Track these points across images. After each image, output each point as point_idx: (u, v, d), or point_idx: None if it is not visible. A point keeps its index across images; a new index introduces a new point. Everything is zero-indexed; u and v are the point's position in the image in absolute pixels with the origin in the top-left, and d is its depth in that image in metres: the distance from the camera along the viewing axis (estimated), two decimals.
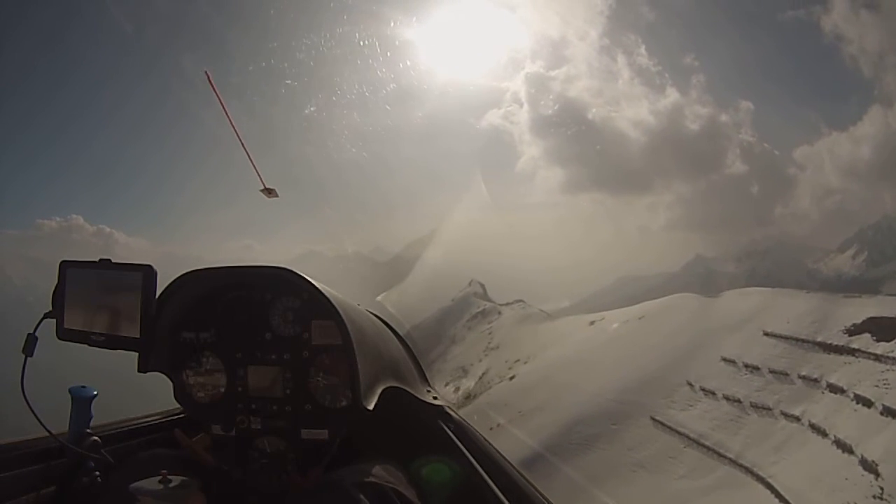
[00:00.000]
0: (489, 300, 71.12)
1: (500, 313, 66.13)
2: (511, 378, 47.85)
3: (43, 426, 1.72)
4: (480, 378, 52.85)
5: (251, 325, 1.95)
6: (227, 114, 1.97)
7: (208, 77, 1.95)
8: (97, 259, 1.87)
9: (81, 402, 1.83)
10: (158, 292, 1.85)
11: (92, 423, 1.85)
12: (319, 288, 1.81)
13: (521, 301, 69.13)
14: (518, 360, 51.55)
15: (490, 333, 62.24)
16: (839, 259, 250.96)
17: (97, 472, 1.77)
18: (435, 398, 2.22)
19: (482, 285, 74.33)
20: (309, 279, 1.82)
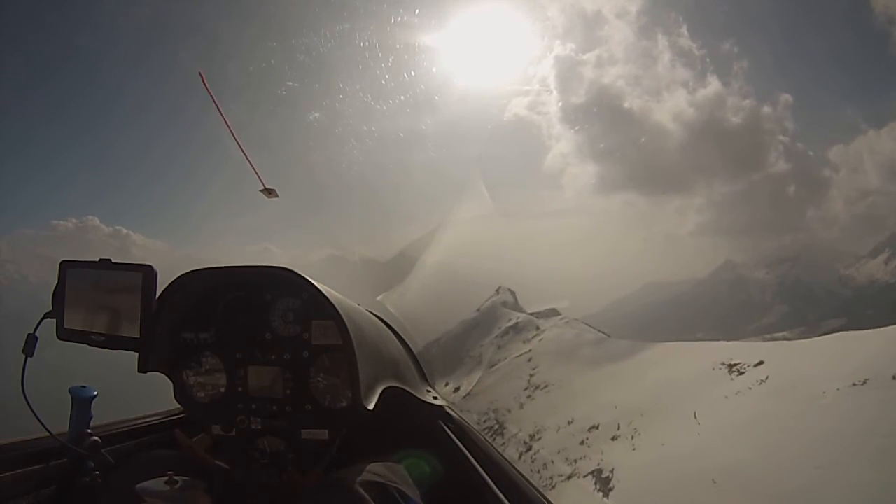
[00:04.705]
0: (522, 311, 56.97)
1: (538, 328, 50.96)
2: (604, 492, 21.95)
3: (43, 426, 1.73)
4: (528, 447, 28.95)
5: (251, 325, 1.94)
6: (221, 113, 1.95)
7: (202, 77, 1.92)
8: (97, 259, 1.88)
9: (81, 402, 1.84)
10: (158, 292, 1.85)
11: (92, 423, 1.86)
12: (319, 288, 1.80)
13: (553, 310, 55.36)
14: (594, 428, 26.42)
15: (530, 360, 42.19)
16: (871, 264, 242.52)
17: (97, 473, 1.79)
18: (435, 398, 2.22)
19: (513, 293, 60.97)
20: (309, 279, 1.81)
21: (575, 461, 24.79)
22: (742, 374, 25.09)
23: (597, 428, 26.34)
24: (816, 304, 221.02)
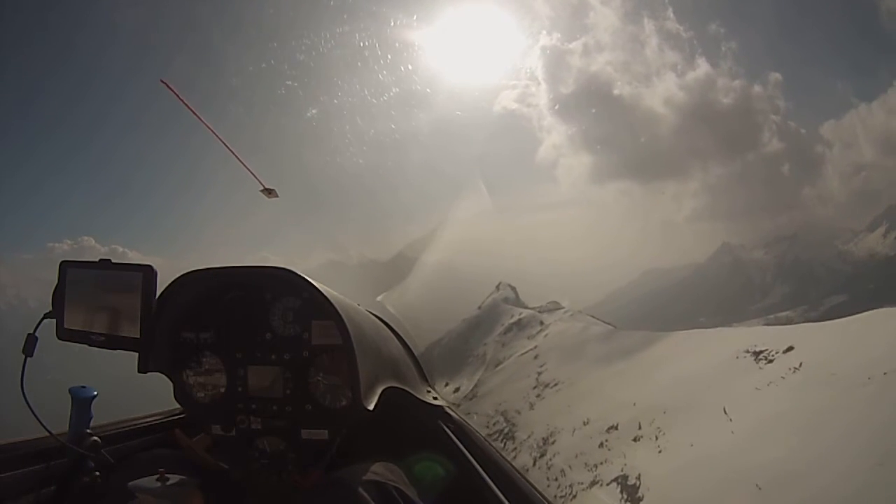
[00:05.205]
0: (524, 306, 52.33)
1: (542, 323, 48.57)
2: (632, 501, 19.60)
3: (43, 426, 1.72)
4: (542, 452, 26.10)
5: (251, 325, 1.93)
6: (197, 115, 1.95)
7: (167, 86, 1.90)
8: (97, 259, 1.87)
9: (81, 402, 1.83)
10: (158, 292, 1.84)
11: (92, 423, 1.85)
12: (319, 288, 1.80)
13: (555, 303, 53.10)
14: (613, 429, 23.79)
15: (536, 357, 39.53)
16: (869, 239, 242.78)
17: (97, 472, 1.78)
18: (435, 398, 2.21)
19: (513, 288, 58.79)
20: (309, 279, 1.81)
21: (595, 466, 21.82)
22: (771, 361, 22.11)
23: (616, 428, 23.45)
24: (817, 281, 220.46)
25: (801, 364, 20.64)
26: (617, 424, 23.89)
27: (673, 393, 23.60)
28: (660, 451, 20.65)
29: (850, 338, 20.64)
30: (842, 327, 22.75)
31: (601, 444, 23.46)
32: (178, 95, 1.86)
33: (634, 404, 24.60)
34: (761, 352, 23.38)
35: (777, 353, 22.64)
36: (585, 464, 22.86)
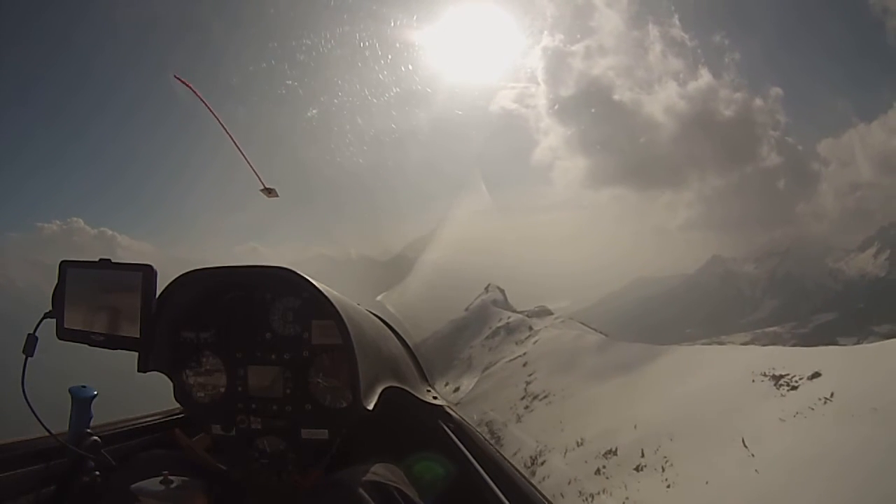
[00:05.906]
0: (513, 310, 52.69)
1: (531, 329, 46.21)
2: None
3: (43, 426, 1.71)
4: (532, 472, 21.42)
5: (251, 324, 1.92)
6: (212, 112, 1.92)
7: (184, 81, 1.88)
8: (97, 259, 1.86)
9: (81, 402, 1.82)
10: (158, 292, 1.83)
11: (92, 423, 1.84)
12: (319, 288, 1.79)
13: (545, 308, 51.17)
14: (611, 454, 20.50)
15: (525, 365, 36.09)
16: (860, 258, 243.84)
17: (97, 472, 1.77)
18: (435, 398, 2.20)
19: (502, 291, 56.67)
20: (309, 279, 1.80)
21: (591, 497, 18.70)
22: (794, 388, 19.05)
23: (614, 453, 20.45)
24: (807, 298, 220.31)
25: (832, 394, 17.82)
26: (616, 449, 20.47)
27: (680, 417, 20.46)
28: (668, 486, 17.66)
29: (885, 366, 17.97)
30: (871, 353, 19.92)
31: (598, 471, 20.03)
32: (193, 90, 1.85)
33: (635, 427, 21.59)
34: (782, 376, 20.44)
35: (801, 378, 19.40)
36: (580, 492, 19.54)
